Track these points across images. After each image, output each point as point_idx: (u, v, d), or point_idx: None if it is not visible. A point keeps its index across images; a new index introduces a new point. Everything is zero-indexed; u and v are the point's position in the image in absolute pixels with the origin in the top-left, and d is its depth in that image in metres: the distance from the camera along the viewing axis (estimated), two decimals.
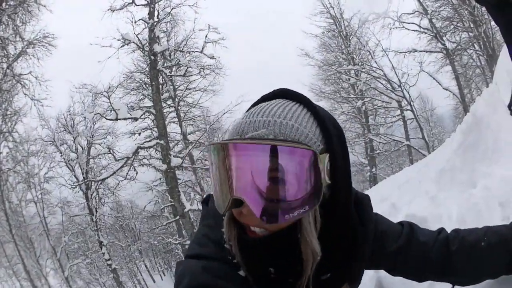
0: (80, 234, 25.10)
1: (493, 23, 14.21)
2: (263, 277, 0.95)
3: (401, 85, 20.15)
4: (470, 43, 19.54)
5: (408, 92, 20.20)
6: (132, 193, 20.23)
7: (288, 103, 0.96)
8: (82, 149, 18.99)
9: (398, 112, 21.39)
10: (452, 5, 19.00)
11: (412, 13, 19.62)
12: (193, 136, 21.48)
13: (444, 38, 19.58)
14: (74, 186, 18.86)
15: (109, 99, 15.40)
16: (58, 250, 22.62)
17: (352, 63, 22.00)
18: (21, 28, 16.73)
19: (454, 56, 19.63)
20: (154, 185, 19.75)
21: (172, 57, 17.57)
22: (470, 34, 18.86)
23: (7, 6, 16.83)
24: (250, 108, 1.00)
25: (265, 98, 1.02)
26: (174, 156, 16.13)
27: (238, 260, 0.95)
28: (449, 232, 1.26)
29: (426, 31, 19.72)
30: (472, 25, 18.28)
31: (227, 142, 0.88)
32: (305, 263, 0.93)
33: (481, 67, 20.62)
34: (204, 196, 1.17)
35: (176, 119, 21.16)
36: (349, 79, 22.24)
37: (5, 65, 16.34)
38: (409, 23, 19.86)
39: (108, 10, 15.58)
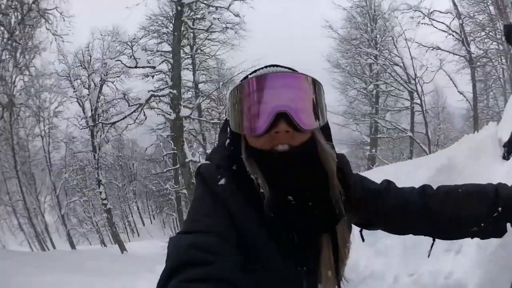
0: (80, 170, 25.75)
1: None
2: (283, 208, 1.04)
3: (416, 78, 20.08)
4: (498, 55, 19.38)
5: (422, 87, 20.15)
6: (136, 133, 20.51)
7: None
8: (95, 85, 19.15)
9: (408, 103, 21.51)
10: (489, 14, 18.55)
11: (445, 13, 19.09)
12: (204, 85, 21.71)
13: (472, 43, 19.23)
14: (84, 127, 19.33)
15: (132, 48, 15.48)
16: (58, 186, 23.31)
17: (374, 43, 21.87)
18: None
19: (476, 65, 19.35)
20: (158, 129, 20.03)
21: (196, 7, 17.27)
22: (501, 46, 18.52)
23: None
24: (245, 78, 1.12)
25: (258, 70, 1.15)
26: (184, 106, 16.28)
27: (264, 190, 1.02)
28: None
29: (454, 33, 19.29)
30: (504, 39, 17.94)
31: (267, 72, 1.07)
32: (329, 166, 1.09)
33: (503, 80, 20.64)
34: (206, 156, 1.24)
35: (191, 67, 21.23)
36: (366, 59, 22.19)
37: (30, 0, 15.97)
38: (439, 21, 19.39)
39: None
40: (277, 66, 1.13)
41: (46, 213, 25.35)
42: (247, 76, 1.13)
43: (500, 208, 1.11)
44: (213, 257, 0.87)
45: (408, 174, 4.96)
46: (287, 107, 1.00)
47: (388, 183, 1.28)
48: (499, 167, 3.92)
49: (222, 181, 1.04)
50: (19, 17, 15.36)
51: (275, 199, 1.02)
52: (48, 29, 16.56)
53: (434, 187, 1.23)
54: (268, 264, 1.00)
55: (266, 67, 1.13)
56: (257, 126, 1.02)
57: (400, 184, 1.26)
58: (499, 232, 1.14)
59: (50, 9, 16.16)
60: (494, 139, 4.49)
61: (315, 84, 1.07)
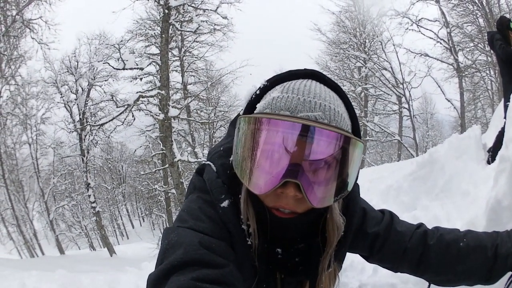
0: (68, 175, 25.77)
1: None
2: (270, 258, 0.99)
3: (404, 83, 20.19)
4: (486, 66, 19.39)
5: (409, 92, 20.27)
6: (125, 136, 20.49)
7: (326, 88, 0.93)
8: (82, 90, 19.05)
9: (396, 107, 21.73)
10: (478, 26, 18.60)
11: (433, 21, 19.19)
12: (193, 87, 21.84)
13: (460, 53, 19.29)
14: (72, 131, 19.33)
15: (119, 51, 15.45)
16: (46, 191, 23.06)
17: (363, 47, 22.02)
18: None
19: (464, 74, 19.42)
20: (147, 131, 19.97)
21: (184, 9, 17.33)
22: (489, 58, 18.45)
23: None
24: (275, 80, 0.96)
25: (295, 75, 0.96)
26: (172, 107, 16.27)
27: (253, 240, 0.95)
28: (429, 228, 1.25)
29: (441, 41, 19.37)
30: (492, 52, 17.95)
31: (295, 120, 0.83)
32: (330, 238, 0.99)
33: (491, 92, 20.77)
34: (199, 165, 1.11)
35: (179, 68, 21.25)
36: (355, 62, 22.36)
37: (14, 12, 15.93)
38: (427, 29, 19.46)
39: None
40: (318, 76, 0.96)
41: (35, 220, 25.33)
42: (277, 80, 0.96)
43: (495, 269, 1.11)
44: (224, 261, 0.84)
45: (392, 172, 4.94)
46: (303, 178, 0.84)
47: (389, 222, 1.22)
48: (482, 171, 3.94)
49: (225, 203, 0.95)
50: (3, 29, 15.41)
51: (263, 249, 0.97)
52: (33, 38, 16.91)
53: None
54: None
55: (306, 72, 0.96)
56: (260, 184, 0.87)
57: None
58: (489, 283, 1.15)
59: (35, 19, 16.52)
60: (478, 141, 4.55)
61: (357, 147, 0.88)
